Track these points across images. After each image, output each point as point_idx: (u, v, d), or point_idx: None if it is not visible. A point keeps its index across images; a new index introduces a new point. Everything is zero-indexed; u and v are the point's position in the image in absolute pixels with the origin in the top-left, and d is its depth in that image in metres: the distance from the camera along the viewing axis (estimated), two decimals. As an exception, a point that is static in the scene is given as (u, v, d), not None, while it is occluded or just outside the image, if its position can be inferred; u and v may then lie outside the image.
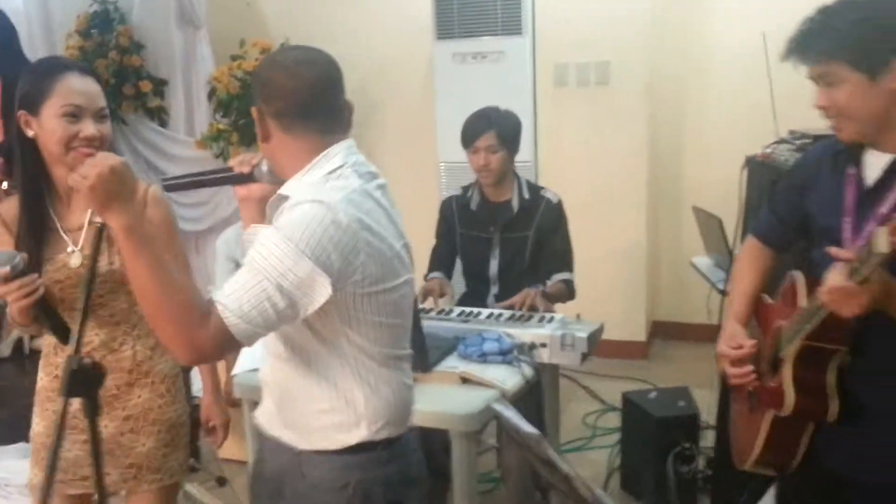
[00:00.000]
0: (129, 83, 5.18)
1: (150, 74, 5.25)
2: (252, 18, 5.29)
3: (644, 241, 4.77)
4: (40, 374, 2.10)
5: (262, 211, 1.57)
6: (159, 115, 5.31)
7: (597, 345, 2.63)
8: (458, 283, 3.32)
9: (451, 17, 4.68)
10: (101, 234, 1.38)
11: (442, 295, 2.98)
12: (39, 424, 2.06)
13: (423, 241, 3.28)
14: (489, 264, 3.14)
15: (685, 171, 4.88)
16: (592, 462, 3.59)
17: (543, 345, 2.49)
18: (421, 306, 2.86)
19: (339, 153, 1.54)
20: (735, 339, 1.83)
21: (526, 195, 3.11)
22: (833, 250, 1.49)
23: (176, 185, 1.64)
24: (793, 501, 1.89)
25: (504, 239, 3.12)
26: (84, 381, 1.28)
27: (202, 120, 5.18)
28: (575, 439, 3.81)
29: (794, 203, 1.82)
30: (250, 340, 1.40)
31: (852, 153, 1.67)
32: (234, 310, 1.37)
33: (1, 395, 1.81)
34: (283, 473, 1.62)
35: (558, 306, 3.02)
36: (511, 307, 2.80)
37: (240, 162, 1.63)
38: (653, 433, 3.12)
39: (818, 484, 1.75)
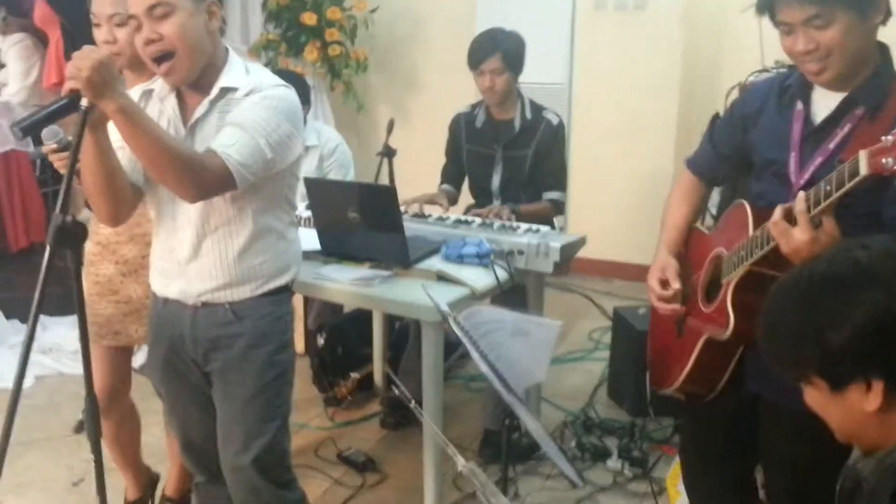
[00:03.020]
0: (189, -9, 5.43)
1: (209, -17, 5.49)
2: (307, -68, 5.43)
3: (671, 168, 4.84)
4: (87, 242, 2.44)
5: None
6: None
7: (573, 256, 2.81)
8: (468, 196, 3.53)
9: (494, -64, 4.75)
10: (86, 115, 1.62)
11: (431, 202, 3.19)
12: (85, 284, 2.40)
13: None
14: (492, 179, 3.33)
15: (718, 102, 4.88)
16: (588, 372, 3.83)
17: (521, 252, 2.69)
18: (415, 212, 3.09)
19: (232, 51, 1.88)
20: (665, 271, 1.92)
21: (528, 115, 3.26)
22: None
23: (30, 127, 1.61)
24: (704, 425, 1.99)
25: (506, 156, 3.29)
26: (69, 236, 1.56)
27: (256, 29, 5.41)
28: (577, 350, 4.05)
29: (737, 136, 1.87)
30: (243, 183, 1.76)
31: (801, 90, 1.72)
32: (236, 158, 1.72)
33: (60, 274, 2.20)
34: (213, 330, 1.93)
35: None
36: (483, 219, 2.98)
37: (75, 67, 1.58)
38: (636, 345, 3.31)
39: (735, 406, 1.85)
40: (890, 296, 1.07)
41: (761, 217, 1.67)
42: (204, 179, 1.70)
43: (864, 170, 1.37)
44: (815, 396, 1.16)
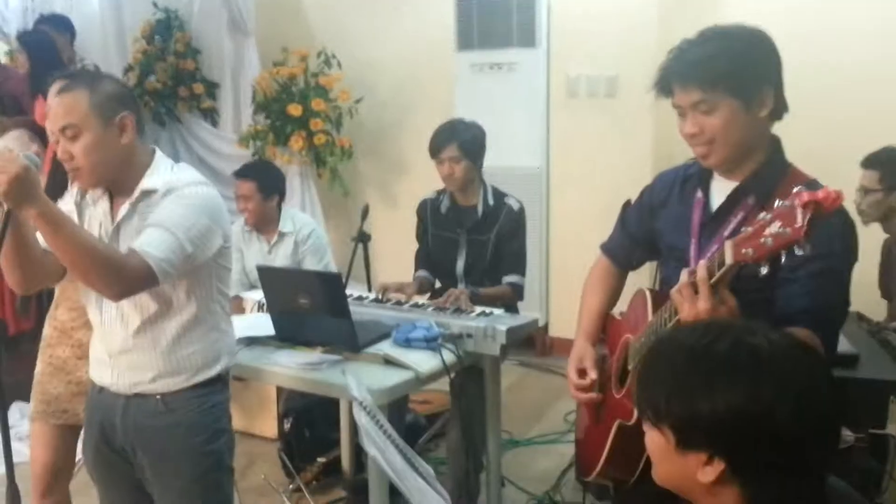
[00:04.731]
0: (184, 85, 5.69)
1: (204, 78, 5.75)
2: (296, 28, 5.70)
3: (649, 249, 4.91)
4: (45, 325, 2.55)
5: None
6: (211, 115, 5.81)
7: (524, 337, 2.85)
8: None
9: (471, 29, 4.96)
10: (8, 216, 1.71)
11: (398, 291, 3.26)
12: (38, 366, 2.52)
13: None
14: (456, 263, 3.40)
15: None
16: (561, 455, 3.79)
17: (469, 335, 2.74)
18: (376, 297, 3.16)
19: (159, 153, 1.99)
20: (583, 360, 1.95)
21: (490, 201, 3.36)
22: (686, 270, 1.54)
23: None
24: None
25: (469, 240, 3.37)
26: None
27: (248, 120, 5.62)
28: (551, 432, 4.04)
29: (646, 222, 1.95)
30: (165, 278, 1.83)
31: (701, 179, 1.80)
32: (155, 255, 1.79)
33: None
34: (144, 421, 1.98)
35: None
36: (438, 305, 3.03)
37: None
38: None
39: (650, 496, 1.80)
40: (775, 395, 1.10)
41: (659, 302, 1.71)
42: (125, 278, 1.77)
43: (728, 259, 1.42)
44: (658, 443, 1.18)
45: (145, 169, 1.95)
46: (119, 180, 1.94)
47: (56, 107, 1.87)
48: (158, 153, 2.01)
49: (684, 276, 1.50)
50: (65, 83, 1.89)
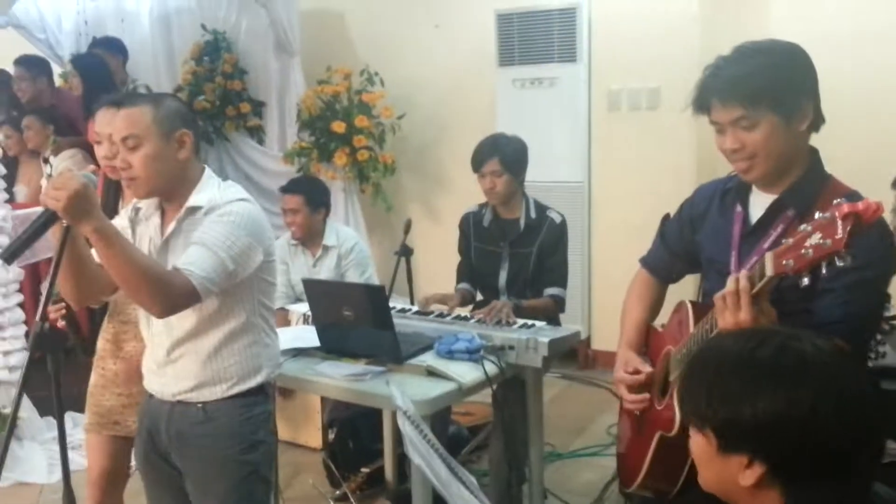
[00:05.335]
0: (231, 105, 5.83)
1: (250, 97, 5.88)
2: (340, 47, 5.80)
3: (693, 262, 4.88)
4: (98, 338, 2.63)
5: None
6: (257, 134, 5.94)
7: (566, 350, 2.87)
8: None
9: (512, 45, 5.01)
10: (66, 232, 1.79)
11: (441, 303, 3.29)
12: (92, 378, 2.59)
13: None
14: (498, 276, 3.43)
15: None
16: (603, 468, 3.78)
17: (512, 347, 2.76)
18: (415, 308, 3.20)
19: (208, 170, 2.07)
20: (631, 364, 1.95)
21: (533, 214, 3.38)
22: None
23: (13, 254, 1.78)
24: None
25: (512, 253, 3.40)
26: (47, 342, 1.71)
27: (293, 138, 5.73)
28: (594, 445, 4.02)
29: (686, 235, 1.96)
30: (207, 295, 1.90)
31: (740, 192, 1.81)
32: (199, 273, 1.86)
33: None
34: (185, 428, 2.04)
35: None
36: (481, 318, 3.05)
37: (52, 197, 1.72)
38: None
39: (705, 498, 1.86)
40: (815, 399, 1.11)
41: (701, 314, 1.73)
42: (170, 296, 1.84)
43: (769, 270, 1.44)
44: (702, 446, 1.20)
45: (195, 185, 2.03)
46: (171, 194, 2.03)
47: (120, 119, 1.96)
48: (207, 171, 2.08)
49: (731, 282, 1.51)
50: (127, 99, 2.01)
